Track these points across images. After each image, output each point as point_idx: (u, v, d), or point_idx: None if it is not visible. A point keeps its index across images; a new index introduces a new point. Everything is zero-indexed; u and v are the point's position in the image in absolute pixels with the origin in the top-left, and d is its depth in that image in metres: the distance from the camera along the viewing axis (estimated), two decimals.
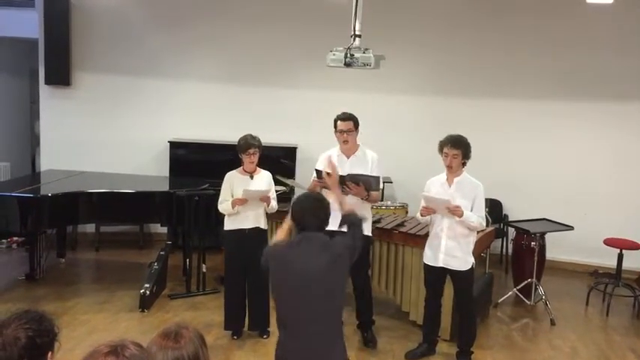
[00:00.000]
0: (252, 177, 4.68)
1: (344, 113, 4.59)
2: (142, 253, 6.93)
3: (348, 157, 4.60)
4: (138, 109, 7.34)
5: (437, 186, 4.32)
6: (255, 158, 4.62)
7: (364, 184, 4.38)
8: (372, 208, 5.39)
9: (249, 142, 4.57)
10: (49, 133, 7.33)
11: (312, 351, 2.91)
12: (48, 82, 7.19)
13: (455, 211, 4.14)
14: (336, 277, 2.97)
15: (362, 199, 4.45)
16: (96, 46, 7.23)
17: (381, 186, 4.56)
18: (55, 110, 7.31)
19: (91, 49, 7.23)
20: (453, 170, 4.26)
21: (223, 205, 4.64)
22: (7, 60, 8.24)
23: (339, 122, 4.57)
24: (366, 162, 4.59)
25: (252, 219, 4.62)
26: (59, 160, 7.01)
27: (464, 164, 4.29)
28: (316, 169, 4.55)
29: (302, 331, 2.93)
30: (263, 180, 4.69)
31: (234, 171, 4.74)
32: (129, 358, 1.43)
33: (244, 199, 4.51)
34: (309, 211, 3.02)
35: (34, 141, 8.67)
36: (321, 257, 2.92)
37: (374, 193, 4.48)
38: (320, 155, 4.74)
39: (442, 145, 4.25)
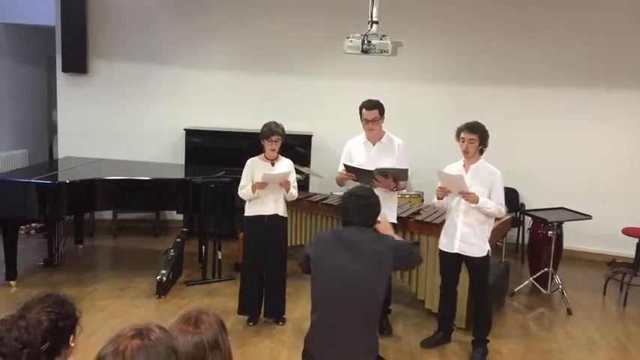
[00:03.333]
0: (273, 164, 4.68)
1: (369, 101, 4.51)
2: (158, 240, 6.99)
3: (373, 144, 4.58)
4: (154, 96, 7.36)
5: (453, 172, 4.29)
6: (277, 146, 4.62)
7: (393, 177, 4.37)
8: None
9: (272, 129, 4.58)
10: (66, 120, 7.39)
11: (337, 345, 2.89)
12: (65, 69, 7.23)
13: (468, 197, 4.12)
14: (375, 274, 2.94)
15: (391, 189, 4.45)
16: (113, 34, 7.25)
17: (410, 175, 4.52)
18: (72, 98, 7.36)
19: (108, 37, 7.26)
20: (469, 155, 4.23)
21: (243, 191, 4.64)
22: (24, 48, 8.29)
23: (364, 110, 4.50)
24: (392, 149, 4.56)
25: (272, 205, 4.63)
26: (76, 148, 7.08)
27: (481, 152, 4.25)
28: (345, 164, 4.53)
29: (332, 321, 2.91)
30: (284, 167, 4.69)
31: (255, 157, 4.74)
32: (154, 341, 1.44)
33: (264, 182, 4.51)
34: (355, 209, 3.03)
35: (51, 128, 8.73)
36: (364, 251, 2.91)
37: (402, 183, 4.49)
38: (346, 143, 4.72)
39: (459, 131, 4.22)
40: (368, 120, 4.49)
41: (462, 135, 4.20)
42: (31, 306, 1.90)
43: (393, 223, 4.58)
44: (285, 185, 4.58)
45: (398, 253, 3.06)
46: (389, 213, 4.55)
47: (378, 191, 4.34)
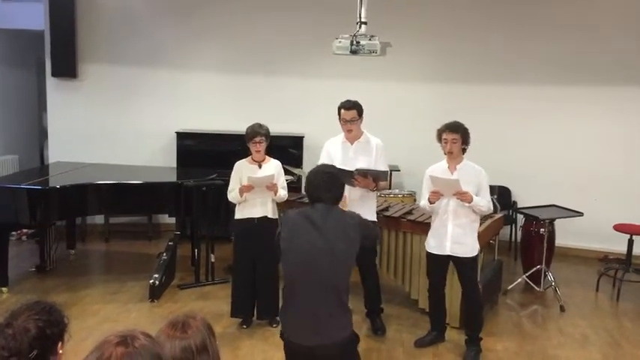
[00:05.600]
0: (260, 166, 4.69)
1: (348, 101, 4.52)
2: (150, 243, 6.96)
3: (352, 144, 4.59)
4: (144, 100, 7.34)
5: (438, 173, 4.26)
6: (262, 147, 4.62)
7: (372, 177, 4.37)
8: (379, 196, 5.41)
9: (255, 131, 4.58)
10: (56, 125, 7.35)
11: (314, 320, 2.93)
12: (54, 74, 7.19)
13: (464, 197, 4.12)
14: (345, 250, 3.00)
15: (370, 189, 4.45)
16: (102, 37, 7.23)
17: (388, 176, 4.53)
18: (62, 102, 7.33)
19: (97, 40, 7.23)
20: (453, 156, 4.23)
21: (232, 194, 4.66)
22: (13, 52, 8.26)
23: (342, 111, 4.51)
24: (370, 149, 4.57)
25: (259, 207, 4.63)
26: (67, 152, 7.03)
27: (464, 150, 4.26)
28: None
29: (306, 299, 2.96)
30: (271, 169, 4.69)
31: (243, 160, 4.74)
32: (138, 348, 1.43)
33: (250, 185, 4.52)
34: (322, 187, 3.09)
35: (42, 133, 8.70)
36: (333, 227, 2.97)
37: (382, 183, 4.50)
38: (324, 143, 4.73)
39: (440, 133, 4.23)
40: (346, 120, 4.49)
41: (444, 136, 4.19)
42: (18, 314, 1.89)
43: (372, 221, 4.61)
44: (272, 187, 4.57)
45: (364, 229, 3.15)
46: (368, 212, 4.54)
47: (357, 190, 4.41)
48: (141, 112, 7.33)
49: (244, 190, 4.55)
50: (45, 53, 7.21)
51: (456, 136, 4.16)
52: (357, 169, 4.36)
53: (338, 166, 4.41)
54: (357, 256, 4.60)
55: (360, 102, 4.55)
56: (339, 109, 4.53)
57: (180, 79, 7.32)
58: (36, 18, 7.17)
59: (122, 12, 7.20)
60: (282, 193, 4.68)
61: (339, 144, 4.62)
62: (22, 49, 8.34)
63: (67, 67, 7.15)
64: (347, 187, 4.43)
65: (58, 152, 7.22)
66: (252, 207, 4.62)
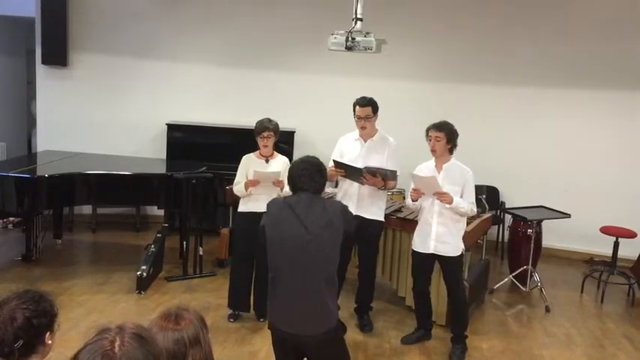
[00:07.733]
0: (267, 161, 4.67)
1: (363, 98, 4.50)
2: (138, 235, 6.92)
3: (365, 141, 4.57)
4: (135, 90, 7.28)
5: (425, 172, 4.29)
6: (270, 142, 4.60)
7: (381, 176, 4.37)
8: None
9: (264, 125, 4.56)
10: (45, 113, 7.27)
11: (299, 310, 2.94)
12: (45, 62, 7.11)
13: (443, 198, 4.13)
14: (328, 240, 2.98)
15: (379, 188, 4.45)
16: (94, 26, 7.15)
17: (399, 174, 4.48)
18: (52, 91, 7.25)
19: (89, 29, 7.15)
20: (437, 154, 4.25)
21: (237, 187, 4.64)
22: (3, 39, 8.16)
23: (357, 108, 4.49)
24: (383, 147, 4.55)
25: (264, 202, 4.58)
26: (56, 141, 6.96)
27: (451, 150, 4.27)
28: (334, 160, 4.51)
29: (291, 289, 2.97)
30: (279, 165, 4.67)
31: (251, 154, 4.73)
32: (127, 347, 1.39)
33: (256, 180, 4.50)
34: (307, 175, 3.06)
35: (30, 121, 8.61)
36: (316, 217, 2.96)
37: (391, 182, 4.47)
38: (338, 140, 4.71)
39: (427, 130, 4.26)
40: (360, 117, 4.48)
41: (430, 133, 4.23)
42: (6, 302, 1.87)
43: (380, 222, 4.60)
44: (278, 184, 4.54)
45: (345, 215, 3.10)
46: (377, 211, 4.55)
47: (367, 188, 4.40)
48: (132, 103, 7.27)
49: (249, 184, 4.53)
50: (35, 41, 7.12)
51: (439, 135, 4.18)
52: (365, 167, 4.35)
53: (349, 162, 4.42)
54: (360, 253, 4.62)
55: (352, 98, 4.54)
56: (354, 105, 4.51)
57: (172, 71, 7.27)
58: (27, 4, 7.09)
59: (115, 1, 7.13)
60: (288, 190, 4.65)
61: (353, 140, 4.61)
62: (12, 36, 8.25)
63: (57, 55, 7.07)
64: (356, 185, 4.45)
65: (46, 141, 7.15)
66: (256, 201, 4.58)
